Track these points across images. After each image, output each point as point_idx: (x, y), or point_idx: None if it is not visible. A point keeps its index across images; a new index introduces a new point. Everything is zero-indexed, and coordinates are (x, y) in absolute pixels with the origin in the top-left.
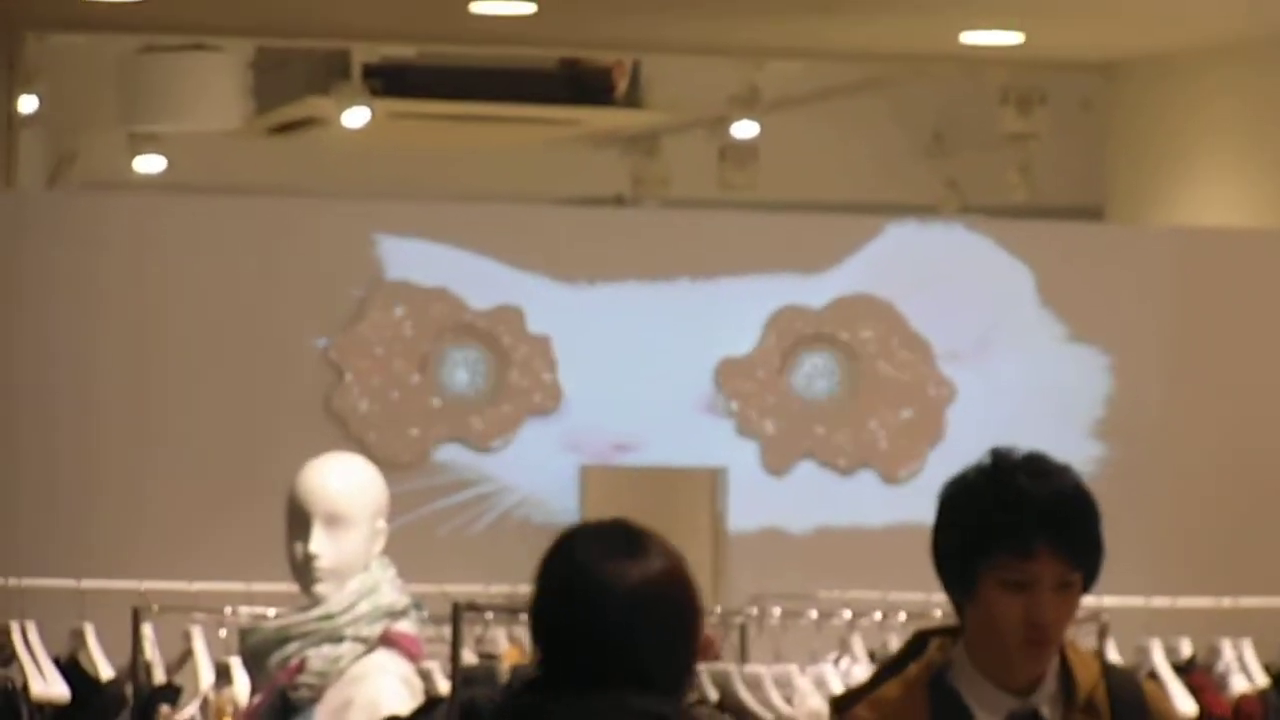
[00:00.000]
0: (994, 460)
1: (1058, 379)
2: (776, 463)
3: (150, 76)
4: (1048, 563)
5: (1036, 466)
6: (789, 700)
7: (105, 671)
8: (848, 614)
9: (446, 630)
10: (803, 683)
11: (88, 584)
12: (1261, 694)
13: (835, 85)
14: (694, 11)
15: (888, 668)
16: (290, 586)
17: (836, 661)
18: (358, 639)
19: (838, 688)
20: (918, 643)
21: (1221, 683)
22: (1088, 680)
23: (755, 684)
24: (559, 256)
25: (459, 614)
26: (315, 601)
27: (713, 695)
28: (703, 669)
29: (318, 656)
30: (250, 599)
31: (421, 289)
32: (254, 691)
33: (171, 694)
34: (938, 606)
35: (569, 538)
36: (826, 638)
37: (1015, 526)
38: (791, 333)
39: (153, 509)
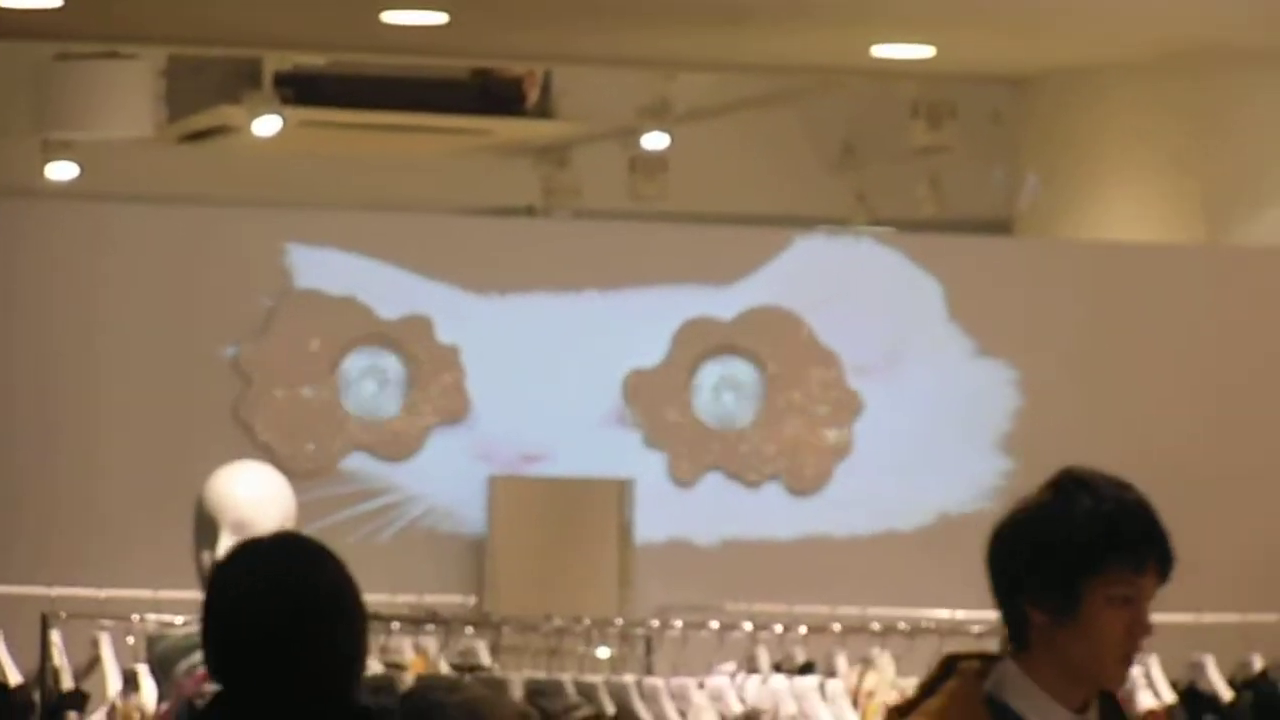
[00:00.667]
0: (1077, 477)
1: (966, 393)
2: (684, 474)
3: (63, 83)
4: (1152, 576)
5: (1120, 483)
6: (684, 714)
7: (13, 677)
8: (748, 626)
9: None
10: (699, 697)
11: None
12: (1169, 710)
13: (745, 97)
14: (605, 23)
15: (924, 691)
16: (198, 594)
17: (734, 675)
18: None
19: (734, 702)
20: (948, 665)
21: (1128, 699)
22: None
23: (652, 697)
24: (469, 266)
25: None
26: None
27: (609, 709)
28: (599, 681)
29: None
30: (158, 606)
31: (331, 298)
32: (161, 699)
33: (79, 700)
34: (839, 620)
35: (237, 552)
36: (730, 649)
37: (1133, 541)
38: (700, 344)
39: (61, 515)
